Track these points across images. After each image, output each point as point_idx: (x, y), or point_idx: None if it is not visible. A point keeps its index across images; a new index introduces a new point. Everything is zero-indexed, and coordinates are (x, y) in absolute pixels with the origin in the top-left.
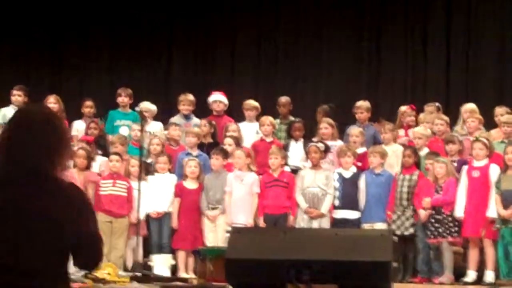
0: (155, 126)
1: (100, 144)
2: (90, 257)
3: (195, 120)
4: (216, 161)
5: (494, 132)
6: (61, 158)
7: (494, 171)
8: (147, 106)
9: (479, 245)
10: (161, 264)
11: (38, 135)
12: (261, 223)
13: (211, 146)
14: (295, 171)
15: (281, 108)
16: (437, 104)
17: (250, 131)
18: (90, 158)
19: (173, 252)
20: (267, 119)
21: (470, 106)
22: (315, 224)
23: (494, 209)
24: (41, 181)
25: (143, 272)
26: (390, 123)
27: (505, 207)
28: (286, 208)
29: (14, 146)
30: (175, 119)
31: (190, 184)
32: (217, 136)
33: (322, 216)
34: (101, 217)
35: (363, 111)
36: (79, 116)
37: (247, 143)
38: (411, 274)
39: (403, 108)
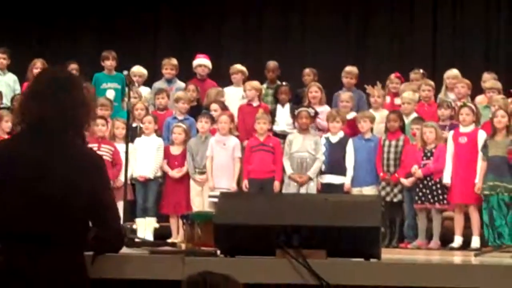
0: (143, 91)
1: None
2: (111, 230)
3: (178, 83)
4: (205, 124)
5: (479, 98)
6: (79, 121)
7: (482, 137)
8: (140, 70)
9: (465, 210)
10: (144, 227)
11: (55, 97)
12: (246, 188)
13: (195, 109)
14: (281, 135)
15: (269, 73)
16: (421, 70)
17: (237, 95)
18: None
19: (157, 216)
20: (250, 84)
21: (453, 72)
22: (302, 190)
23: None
24: (59, 144)
25: (131, 236)
26: (382, 89)
27: (493, 173)
28: (271, 173)
29: (30, 108)
30: (159, 83)
31: (175, 150)
32: (201, 99)
33: (309, 180)
34: None
35: (352, 76)
36: None
37: (234, 107)
38: (398, 239)
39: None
